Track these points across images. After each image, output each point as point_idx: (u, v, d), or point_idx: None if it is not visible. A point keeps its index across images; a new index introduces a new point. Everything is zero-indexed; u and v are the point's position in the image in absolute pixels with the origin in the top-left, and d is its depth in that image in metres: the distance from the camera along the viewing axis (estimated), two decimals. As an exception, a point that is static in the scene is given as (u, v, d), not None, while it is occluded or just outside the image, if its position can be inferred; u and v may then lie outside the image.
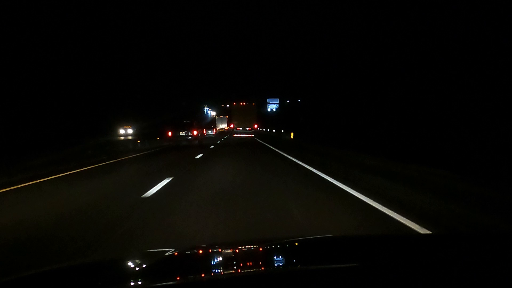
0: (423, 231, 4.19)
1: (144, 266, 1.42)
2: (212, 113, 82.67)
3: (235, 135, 34.17)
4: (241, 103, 36.50)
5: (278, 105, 74.63)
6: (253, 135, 33.77)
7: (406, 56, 30.63)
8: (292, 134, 30.87)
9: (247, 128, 34.90)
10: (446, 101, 27.15)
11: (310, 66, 47.56)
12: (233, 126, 36.16)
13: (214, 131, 45.48)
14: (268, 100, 76.15)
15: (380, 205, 5.53)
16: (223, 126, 49.54)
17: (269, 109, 72.61)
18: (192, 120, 27.55)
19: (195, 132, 23.92)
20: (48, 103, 26.25)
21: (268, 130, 47.11)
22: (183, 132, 23.38)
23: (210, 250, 1.70)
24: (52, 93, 27.05)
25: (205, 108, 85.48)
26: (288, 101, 68.00)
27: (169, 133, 23.80)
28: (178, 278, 1.18)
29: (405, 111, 27.50)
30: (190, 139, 23.56)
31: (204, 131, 32.38)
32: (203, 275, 1.30)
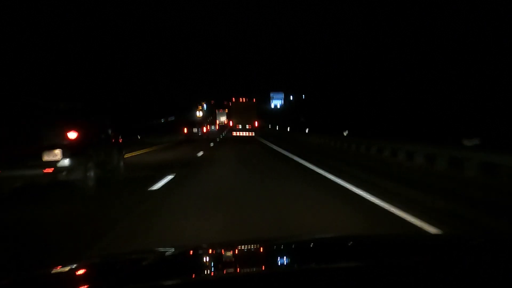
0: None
1: (144, 265, 1.42)
2: (199, 113, 77.80)
3: (234, 133, 31.94)
4: (240, 99, 33.45)
5: (282, 100, 64.94)
6: (253, 133, 31.58)
7: (407, 56, 30.75)
8: None
9: (247, 126, 31.88)
10: (447, 101, 27.31)
11: (315, 60, 46.71)
12: (232, 124, 33.23)
13: (217, 126, 47.25)
14: (271, 94, 65.77)
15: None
16: (223, 119, 50.62)
17: (272, 105, 62.66)
18: (202, 120, 36.78)
19: (204, 129, 30.62)
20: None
21: (277, 128, 43.28)
22: (195, 129, 29.04)
23: (210, 250, 1.71)
24: (52, 93, 27.34)
25: (203, 105, 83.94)
26: (291, 97, 62.03)
27: (185, 130, 28.96)
28: (177, 278, 1.18)
29: (406, 110, 27.61)
30: (200, 135, 29.38)
31: (208, 127, 35.56)
32: (202, 274, 1.30)
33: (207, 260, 1.56)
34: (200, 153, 14.50)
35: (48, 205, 5.07)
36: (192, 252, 1.65)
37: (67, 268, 1.47)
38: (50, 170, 5.31)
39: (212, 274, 1.30)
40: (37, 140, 5.48)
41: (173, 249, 1.71)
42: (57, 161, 5.37)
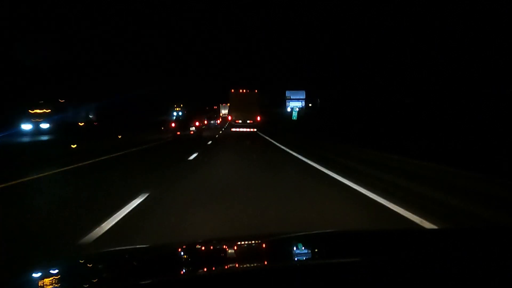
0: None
1: (148, 260, 1.49)
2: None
3: (233, 129, 29.60)
4: (240, 90, 30.09)
5: (303, 102, 46.78)
6: (255, 129, 29.15)
7: (407, 55, 29.46)
8: None
9: (248, 121, 29.22)
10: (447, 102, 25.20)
11: (315, 59, 42.40)
12: (231, 119, 30.49)
13: (220, 119, 54.64)
14: (287, 93, 46.67)
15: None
16: (225, 112, 51.59)
17: (289, 109, 44.31)
18: (216, 114, 57.01)
19: (218, 121, 49.17)
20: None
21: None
22: (212, 121, 46.13)
23: (211, 245, 1.78)
24: (52, 93, 27.09)
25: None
26: (310, 104, 47.69)
27: (205, 121, 35.99)
28: (180, 273, 1.26)
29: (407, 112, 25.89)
30: (215, 125, 46.24)
31: (220, 120, 50.85)
32: (204, 270, 1.34)
33: (209, 255, 1.61)
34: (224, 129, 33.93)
35: (191, 140, 20.42)
36: (193, 248, 1.71)
37: (66, 263, 1.58)
38: (191, 132, 23.61)
39: (214, 269, 1.33)
40: (187, 123, 24.41)
41: (176, 244, 1.88)
42: (193, 130, 23.90)
